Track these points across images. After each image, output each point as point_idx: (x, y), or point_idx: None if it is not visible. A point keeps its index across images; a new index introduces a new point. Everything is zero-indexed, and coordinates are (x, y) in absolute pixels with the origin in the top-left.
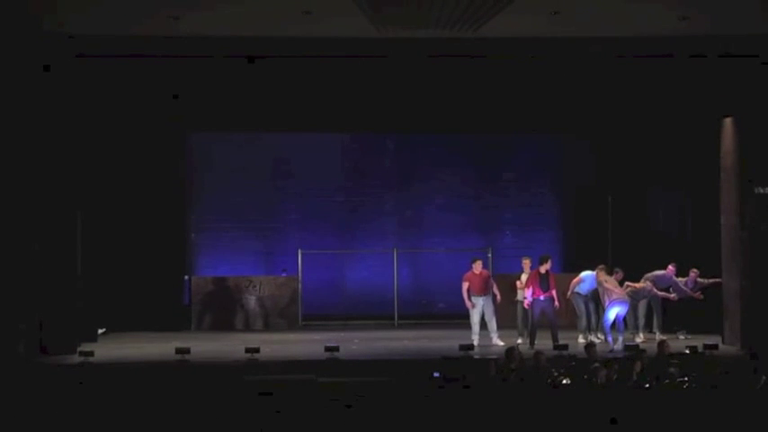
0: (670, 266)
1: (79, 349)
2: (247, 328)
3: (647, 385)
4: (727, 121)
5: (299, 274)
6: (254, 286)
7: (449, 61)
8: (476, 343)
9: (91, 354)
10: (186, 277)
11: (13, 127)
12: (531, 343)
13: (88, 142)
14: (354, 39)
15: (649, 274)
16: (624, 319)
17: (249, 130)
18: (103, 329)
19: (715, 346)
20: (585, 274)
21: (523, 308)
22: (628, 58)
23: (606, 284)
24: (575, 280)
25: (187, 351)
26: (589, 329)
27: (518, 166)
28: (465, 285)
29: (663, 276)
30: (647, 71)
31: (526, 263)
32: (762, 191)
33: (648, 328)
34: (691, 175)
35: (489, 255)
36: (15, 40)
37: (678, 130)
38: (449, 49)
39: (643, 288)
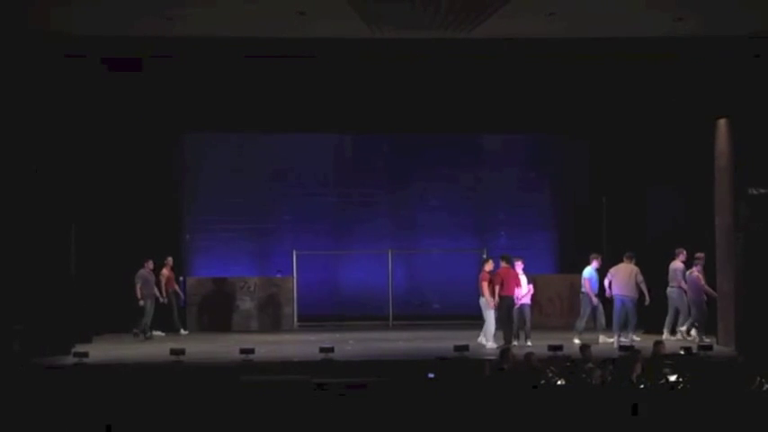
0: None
1: (74, 350)
2: (242, 328)
3: (642, 386)
4: (722, 122)
5: (294, 275)
6: (249, 287)
7: (444, 62)
8: (494, 345)
9: (86, 355)
10: (181, 278)
11: (10, 128)
12: (508, 341)
13: (83, 143)
14: (349, 40)
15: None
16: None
17: (243, 131)
18: (186, 331)
19: (709, 347)
20: (585, 270)
21: (517, 310)
22: (623, 59)
23: (612, 276)
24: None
25: (182, 352)
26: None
27: (513, 167)
28: (486, 284)
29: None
30: (642, 72)
31: (519, 264)
32: (756, 192)
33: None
34: (685, 176)
35: (484, 256)
36: (9, 42)
37: (673, 131)
38: (444, 50)
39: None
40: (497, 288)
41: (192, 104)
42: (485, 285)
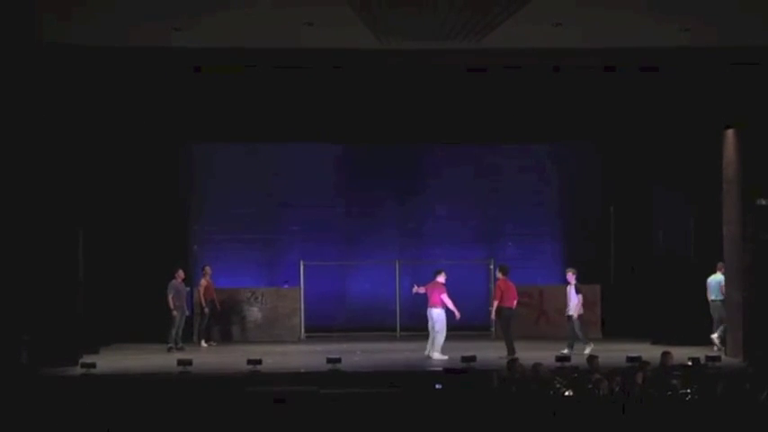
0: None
1: (81, 361)
2: (249, 339)
3: (650, 397)
4: (729, 133)
5: (301, 286)
6: (256, 298)
7: (451, 71)
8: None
9: (93, 365)
10: (188, 289)
11: (15, 137)
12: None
13: (90, 153)
14: (356, 50)
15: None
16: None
17: (251, 141)
18: (213, 343)
19: (717, 358)
20: (720, 279)
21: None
22: (631, 69)
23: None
24: None
25: (189, 363)
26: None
27: (520, 177)
28: (447, 296)
29: None
30: (649, 83)
31: (570, 275)
32: (764, 202)
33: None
34: (693, 186)
35: (491, 266)
36: (16, 51)
37: (680, 142)
38: (451, 60)
39: None
40: (496, 301)
41: (200, 114)
42: (446, 297)
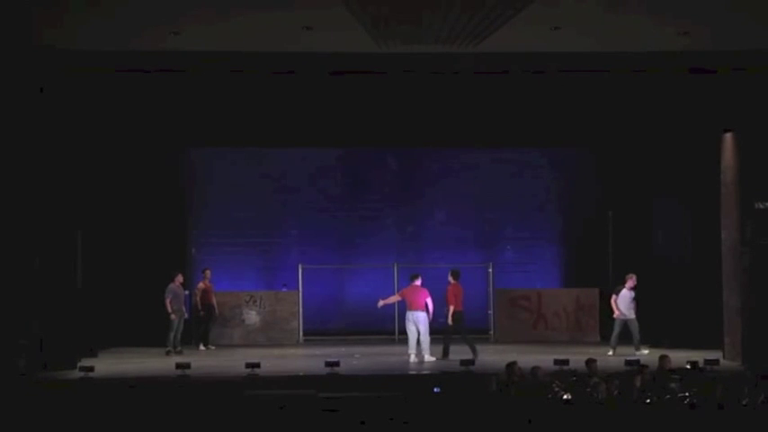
0: None
1: (80, 364)
2: (247, 342)
3: (648, 401)
4: (728, 136)
5: (300, 289)
6: (255, 301)
7: (449, 76)
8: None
9: (91, 369)
10: (186, 292)
11: (14, 142)
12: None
13: (89, 158)
14: (355, 54)
15: None
16: None
17: (250, 146)
18: (212, 346)
19: (716, 362)
20: None
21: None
22: (629, 73)
23: None
24: None
25: (187, 366)
26: None
27: (518, 181)
28: (430, 300)
29: None
30: (648, 86)
31: (631, 281)
32: (762, 206)
33: None
34: (691, 190)
35: (490, 270)
36: (14, 56)
37: (679, 145)
38: (450, 64)
39: None
40: (452, 306)
41: (198, 119)
42: (430, 300)
